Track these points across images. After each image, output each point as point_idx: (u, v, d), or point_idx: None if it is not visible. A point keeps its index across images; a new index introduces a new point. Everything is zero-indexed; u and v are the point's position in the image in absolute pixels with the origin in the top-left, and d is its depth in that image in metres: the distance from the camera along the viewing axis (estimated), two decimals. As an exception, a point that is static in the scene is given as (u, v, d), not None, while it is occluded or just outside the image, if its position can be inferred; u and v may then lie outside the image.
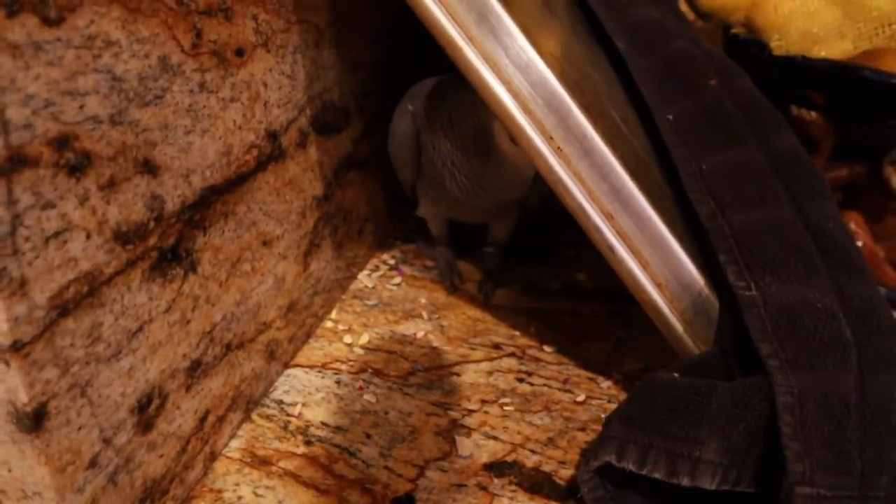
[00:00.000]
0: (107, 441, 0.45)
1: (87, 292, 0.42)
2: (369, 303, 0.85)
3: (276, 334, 0.70)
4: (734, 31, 0.95)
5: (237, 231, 0.59)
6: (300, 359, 0.76)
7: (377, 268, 0.92)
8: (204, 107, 0.52)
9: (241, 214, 0.59)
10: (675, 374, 0.58)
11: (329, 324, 0.82)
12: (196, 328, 0.55)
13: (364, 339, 0.79)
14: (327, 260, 0.80)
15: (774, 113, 0.70)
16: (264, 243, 0.64)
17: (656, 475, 0.51)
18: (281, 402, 0.69)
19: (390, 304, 0.85)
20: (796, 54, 0.86)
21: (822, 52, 0.89)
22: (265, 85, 0.59)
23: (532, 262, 0.93)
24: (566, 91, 0.58)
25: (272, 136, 0.62)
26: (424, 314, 0.84)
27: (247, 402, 0.65)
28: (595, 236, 0.59)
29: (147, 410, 0.49)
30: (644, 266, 0.60)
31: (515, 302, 0.86)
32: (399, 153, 0.81)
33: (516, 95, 0.57)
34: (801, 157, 0.66)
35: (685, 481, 0.50)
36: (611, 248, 0.59)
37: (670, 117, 0.70)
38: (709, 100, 0.71)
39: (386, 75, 0.86)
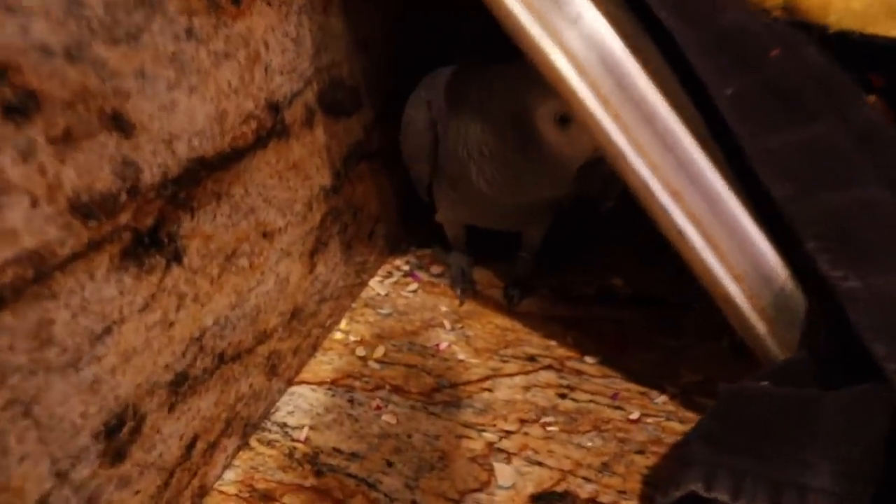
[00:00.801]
0: (61, 475, 0.35)
1: (32, 278, 0.32)
2: (383, 311, 0.75)
3: (278, 345, 0.60)
4: (774, 15, 0.87)
5: (232, 217, 0.49)
6: (306, 374, 0.66)
7: (390, 274, 0.82)
8: (192, 59, 0.42)
9: (238, 198, 0.50)
10: (764, 383, 0.48)
11: (339, 335, 0.72)
12: (181, 333, 0.45)
13: (379, 351, 0.69)
14: (336, 262, 0.70)
15: (849, 83, 0.61)
16: (264, 235, 0.54)
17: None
18: (284, 424, 0.59)
19: (407, 312, 0.75)
20: (853, 31, 0.77)
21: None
22: (266, 46, 0.50)
23: (562, 266, 0.83)
24: (625, 47, 0.48)
25: (274, 107, 0.52)
26: (446, 323, 0.73)
27: (244, 426, 0.55)
28: (662, 218, 0.50)
29: (117, 435, 0.39)
30: (720, 255, 0.50)
31: (547, 309, 0.76)
32: (413, 145, 0.71)
33: (567, 52, 0.48)
34: (884, 131, 0.57)
35: (793, 514, 0.40)
36: (680, 233, 0.50)
37: (729, 92, 0.60)
38: (772, 72, 0.61)
39: (399, 58, 0.77)
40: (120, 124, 0.37)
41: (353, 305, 0.76)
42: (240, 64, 0.47)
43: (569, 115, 0.56)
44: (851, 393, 0.44)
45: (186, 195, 0.44)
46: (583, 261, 0.84)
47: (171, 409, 0.45)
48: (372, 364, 0.68)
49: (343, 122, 0.66)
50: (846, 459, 0.41)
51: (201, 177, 0.45)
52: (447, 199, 0.75)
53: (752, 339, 0.52)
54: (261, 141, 0.51)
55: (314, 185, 0.62)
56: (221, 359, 0.51)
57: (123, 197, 0.38)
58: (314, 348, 0.68)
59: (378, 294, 0.78)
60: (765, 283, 0.51)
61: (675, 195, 0.49)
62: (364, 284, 0.79)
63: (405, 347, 0.70)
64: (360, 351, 0.69)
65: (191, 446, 0.47)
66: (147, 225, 0.40)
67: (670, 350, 0.70)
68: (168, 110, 0.41)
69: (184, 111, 0.42)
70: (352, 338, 0.71)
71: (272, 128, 0.53)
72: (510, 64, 0.62)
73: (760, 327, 0.51)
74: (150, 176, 0.40)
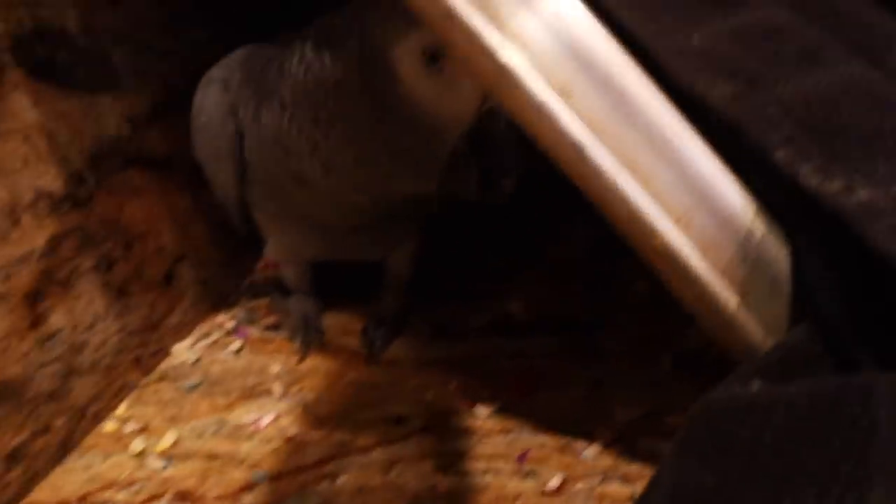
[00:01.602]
0: None
1: None
2: (187, 384, 0.52)
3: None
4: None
5: None
6: (41, 494, 0.41)
7: (207, 335, 0.59)
8: None
9: None
10: (756, 386, 0.27)
11: (110, 425, 0.48)
12: None
13: (167, 440, 0.46)
14: (95, 313, 0.47)
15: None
16: None
17: None
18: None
19: (221, 381, 0.52)
20: None
21: None
22: None
23: (440, 300, 0.61)
24: None
25: None
26: (276, 388, 0.51)
27: None
28: (552, 138, 0.29)
29: None
30: (653, 192, 0.30)
31: (422, 353, 0.55)
32: (208, 141, 0.51)
33: None
34: (864, 7, 0.40)
35: None
36: (597, 171, 0.29)
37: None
38: None
39: (189, 33, 0.57)
40: None
41: (145, 381, 0.52)
42: None
43: (441, 49, 0.37)
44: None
45: None
46: (466, 292, 0.63)
47: None
48: (152, 462, 0.44)
49: (80, 99, 0.45)
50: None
51: None
52: (270, 219, 0.54)
53: (716, 319, 0.32)
54: None
55: (19, 186, 0.40)
56: None
57: None
58: (62, 449, 0.44)
59: (184, 362, 0.55)
60: (723, 226, 0.32)
61: (565, 95, 0.29)
62: (164, 352, 0.55)
63: (210, 430, 0.47)
64: (138, 444, 0.45)
65: None
66: None
67: (594, 383, 0.49)
68: None
69: None
70: (130, 427, 0.48)
71: None
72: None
73: (726, 296, 0.31)
74: None
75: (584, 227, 0.68)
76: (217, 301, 0.63)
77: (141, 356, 0.53)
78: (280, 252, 0.59)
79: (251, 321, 0.61)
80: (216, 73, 0.51)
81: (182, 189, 0.57)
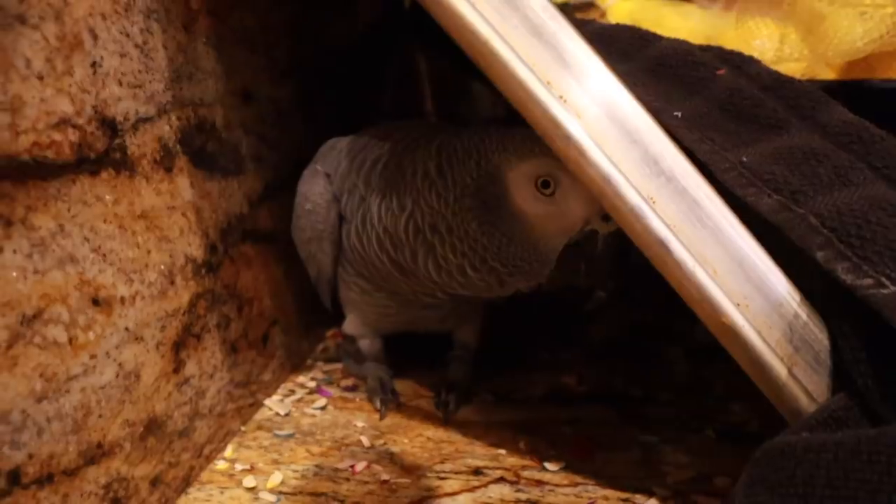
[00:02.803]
0: None
1: None
2: (282, 433, 0.58)
3: (123, 468, 0.42)
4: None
5: (34, 260, 0.34)
6: (171, 517, 0.47)
7: (292, 392, 0.66)
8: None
9: (45, 233, 0.35)
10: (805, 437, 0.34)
11: (221, 464, 0.54)
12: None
13: (275, 480, 0.52)
14: (215, 365, 0.54)
15: (809, 89, 0.53)
16: (95, 302, 0.39)
17: None
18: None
19: (312, 432, 0.59)
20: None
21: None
22: (94, 35, 0.38)
23: (500, 368, 0.69)
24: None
25: (108, 124, 0.39)
26: (364, 440, 0.57)
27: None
28: (638, 230, 0.37)
29: None
30: (718, 279, 0.38)
31: (489, 415, 0.61)
32: (311, 227, 0.59)
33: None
34: (867, 128, 0.48)
35: None
36: (678, 263, 0.37)
37: (678, 115, 0.51)
38: (723, 89, 0.53)
39: (293, 124, 0.66)
40: None
41: (243, 429, 0.59)
42: (47, 42, 0.34)
43: (554, 176, 0.45)
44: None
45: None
46: (524, 363, 0.70)
47: None
48: (265, 496, 0.50)
49: (218, 182, 0.54)
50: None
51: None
52: (357, 297, 0.62)
53: (770, 385, 0.39)
54: (86, 164, 0.38)
55: (177, 252, 0.48)
56: (14, 480, 0.33)
57: None
58: (186, 481, 0.50)
59: (276, 414, 0.62)
60: (774, 310, 0.39)
61: (649, 200, 0.38)
62: (258, 405, 0.62)
63: (310, 473, 0.53)
64: (250, 481, 0.52)
65: None
66: None
67: (648, 446, 0.55)
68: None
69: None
70: (239, 466, 0.54)
71: (106, 152, 0.39)
72: (467, 125, 0.52)
73: (778, 367, 0.38)
74: None
75: (624, 312, 0.76)
76: (297, 363, 0.70)
77: (242, 407, 0.59)
78: (357, 327, 0.65)
79: (330, 383, 0.68)
80: (319, 167, 0.59)
81: (279, 261, 0.65)
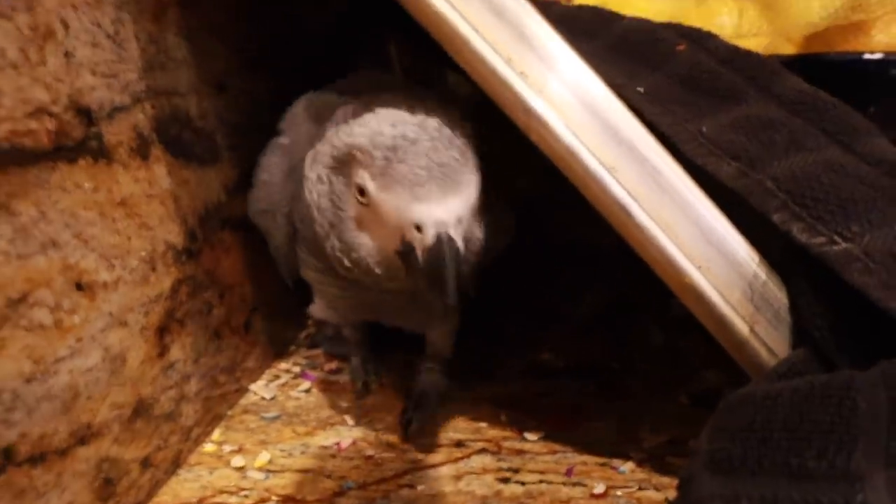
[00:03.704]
0: None
1: None
2: (268, 416, 0.60)
3: (113, 449, 0.43)
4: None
5: (16, 244, 0.35)
6: (163, 497, 0.48)
7: (276, 377, 0.67)
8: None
9: (27, 219, 0.36)
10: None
11: (209, 447, 0.55)
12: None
13: (263, 459, 0.53)
14: (199, 351, 0.55)
15: (764, 61, 0.55)
16: (78, 286, 0.40)
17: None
18: (121, 562, 0.42)
19: (298, 414, 0.60)
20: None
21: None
22: (65, 25, 0.39)
23: (479, 347, 0.70)
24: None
25: (83, 112, 0.40)
26: (349, 419, 0.58)
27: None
28: (601, 197, 0.39)
29: None
30: (679, 244, 0.40)
31: (470, 391, 0.62)
32: (266, 196, 0.55)
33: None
34: (821, 97, 0.50)
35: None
36: (638, 226, 0.39)
37: (641, 90, 0.53)
38: (683, 64, 0.55)
39: (267, 117, 0.67)
40: None
41: (230, 413, 0.60)
42: (18, 30, 0.35)
43: (367, 186, 0.42)
44: (885, 368, 0.33)
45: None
46: (502, 341, 0.71)
47: None
48: (253, 475, 0.51)
49: (195, 170, 0.54)
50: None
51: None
52: (314, 275, 0.57)
53: (732, 342, 0.41)
54: (64, 150, 0.39)
55: (157, 239, 0.49)
56: (8, 457, 0.35)
57: None
58: (175, 463, 0.52)
59: (262, 398, 0.63)
60: (734, 271, 0.41)
61: (633, 193, 0.39)
62: (243, 390, 0.63)
63: (297, 451, 0.54)
64: (238, 461, 0.53)
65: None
66: None
67: (623, 414, 0.57)
68: None
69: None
70: (227, 448, 0.55)
71: (83, 141, 0.40)
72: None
73: (739, 325, 0.40)
74: None
75: (598, 291, 0.78)
76: (280, 349, 0.71)
77: (227, 392, 0.60)
78: (322, 310, 0.62)
79: (314, 367, 0.69)
80: (283, 139, 0.56)
81: (259, 249, 0.66)
